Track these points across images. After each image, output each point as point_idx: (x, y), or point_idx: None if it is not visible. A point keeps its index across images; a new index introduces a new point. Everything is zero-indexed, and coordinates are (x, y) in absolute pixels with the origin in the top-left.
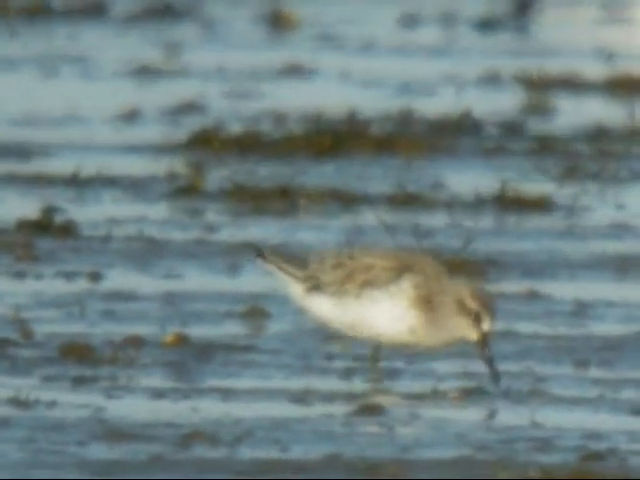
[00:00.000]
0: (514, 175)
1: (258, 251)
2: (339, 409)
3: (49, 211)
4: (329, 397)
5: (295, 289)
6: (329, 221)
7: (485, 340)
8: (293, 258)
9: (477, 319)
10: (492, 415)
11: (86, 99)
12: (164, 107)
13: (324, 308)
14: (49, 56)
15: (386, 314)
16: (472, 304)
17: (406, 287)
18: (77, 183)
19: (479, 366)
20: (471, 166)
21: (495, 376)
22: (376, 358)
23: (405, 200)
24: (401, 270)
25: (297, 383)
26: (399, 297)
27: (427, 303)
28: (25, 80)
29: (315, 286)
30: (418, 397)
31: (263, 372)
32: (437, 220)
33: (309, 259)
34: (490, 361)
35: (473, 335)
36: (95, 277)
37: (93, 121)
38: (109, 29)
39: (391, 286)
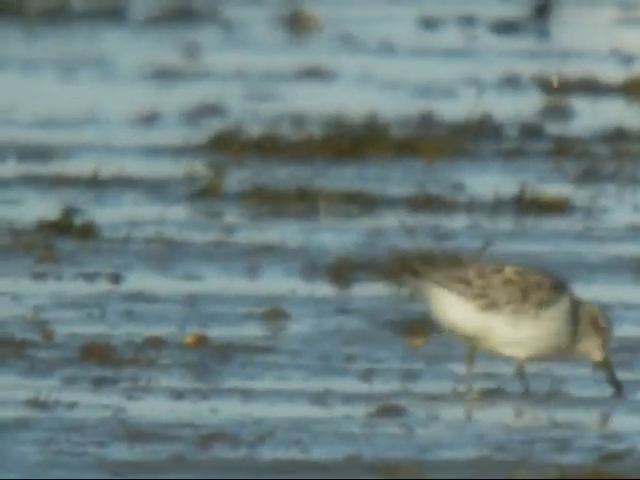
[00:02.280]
0: (533, 177)
1: (410, 268)
2: (359, 410)
3: (69, 212)
4: (349, 398)
5: (459, 306)
6: (349, 223)
7: (610, 359)
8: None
9: (606, 339)
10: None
11: (106, 101)
12: (184, 109)
13: (501, 326)
14: (68, 58)
15: (557, 331)
16: (603, 323)
17: (568, 304)
18: (97, 184)
19: (498, 367)
20: (490, 168)
21: (619, 388)
22: (472, 360)
23: (425, 202)
24: (559, 288)
25: (317, 384)
26: (564, 314)
27: (577, 320)
28: (45, 82)
29: (490, 304)
30: (437, 398)
31: (283, 373)
32: (457, 222)
33: (460, 272)
34: (614, 378)
35: (599, 355)
36: (115, 278)
37: (113, 123)
38: (128, 31)
39: (558, 304)
